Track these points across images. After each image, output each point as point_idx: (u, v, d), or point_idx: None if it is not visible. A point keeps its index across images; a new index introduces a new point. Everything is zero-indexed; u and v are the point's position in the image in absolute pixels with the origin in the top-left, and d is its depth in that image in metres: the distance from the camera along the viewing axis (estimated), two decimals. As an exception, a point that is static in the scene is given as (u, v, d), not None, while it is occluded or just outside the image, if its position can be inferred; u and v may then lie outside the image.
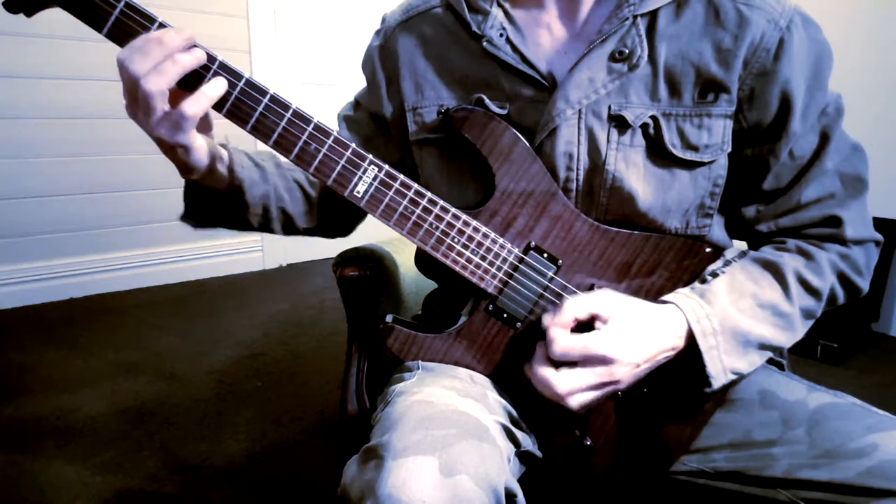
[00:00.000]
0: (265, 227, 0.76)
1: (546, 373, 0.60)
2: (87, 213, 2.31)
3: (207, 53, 0.58)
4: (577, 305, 0.61)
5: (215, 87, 0.58)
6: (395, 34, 0.74)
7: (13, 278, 2.20)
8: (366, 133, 0.79)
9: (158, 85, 0.54)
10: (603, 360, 0.58)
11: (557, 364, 0.60)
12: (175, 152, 0.60)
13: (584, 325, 0.61)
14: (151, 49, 0.54)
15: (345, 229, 0.86)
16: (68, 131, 2.22)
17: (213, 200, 0.71)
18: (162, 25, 0.56)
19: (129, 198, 2.39)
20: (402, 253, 0.98)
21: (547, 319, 0.62)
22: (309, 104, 0.62)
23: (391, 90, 0.75)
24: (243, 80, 0.59)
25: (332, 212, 0.81)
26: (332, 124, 0.62)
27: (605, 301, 0.61)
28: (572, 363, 0.59)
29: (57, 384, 1.67)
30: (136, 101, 0.56)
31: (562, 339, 0.59)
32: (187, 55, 0.56)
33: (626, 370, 0.59)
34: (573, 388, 0.59)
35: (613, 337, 0.58)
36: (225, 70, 0.58)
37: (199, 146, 0.61)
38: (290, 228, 0.78)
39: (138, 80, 0.54)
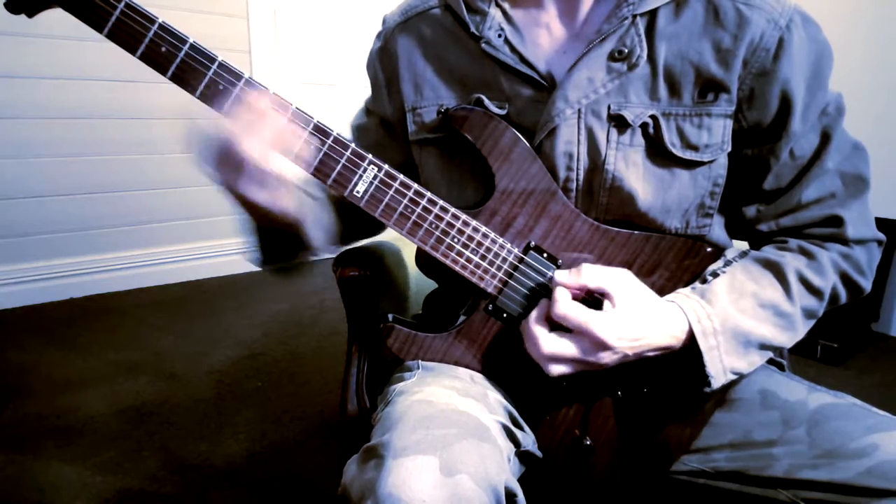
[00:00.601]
0: (322, 242, 0.74)
1: (537, 330, 0.60)
2: (87, 213, 2.31)
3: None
4: (592, 275, 0.61)
5: (294, 140, 0.59)
6: (395, 35, 0.74)
7: (13, 278, 2.19)
8: (376, 139, 0.79)
9: (260, 152, 0.55)
10: (597, 343, 0.58)
11: (552, 325, 0.60)
12: (257, 207, 0.60)
13: (591, 298, 0.61)
14: (250, 115, 0.56)
15: (373, 229, 0.86)
16: (68, 131, 2.22)
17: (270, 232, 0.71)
18: (163, 27, 0.56)
19: (129, 198, 2.39)
20: (412, 249, 0.97)
21: (559, 276, 0.62)
22: (309, 104, 0.62)
23: (392, 91, 0.75)
24: (243, 80, 0.59)
25: (351, 214, 0.80)
26: (333, 124, 0.62)
27: (620, 282, 0.61)
28: (566, 330, 0.59)
29: (57, 384, 1.67)
30: (238, 168, 0.56)
31: (565, 303, 0.59)
32: (279, 115, 0.57)
33: (614, 357, 0.59)
34: (556, 353, 0.59)
35: (615, 323, 0.58)
36: (225, 70, 0.58)
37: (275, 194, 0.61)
38: (333, 239, 0.78)
39: (243, 148, 0.55)
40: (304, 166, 0.62)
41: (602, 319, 0.58)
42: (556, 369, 0.60)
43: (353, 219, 0.79)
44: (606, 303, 0.60)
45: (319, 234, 0.72)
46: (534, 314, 0.62)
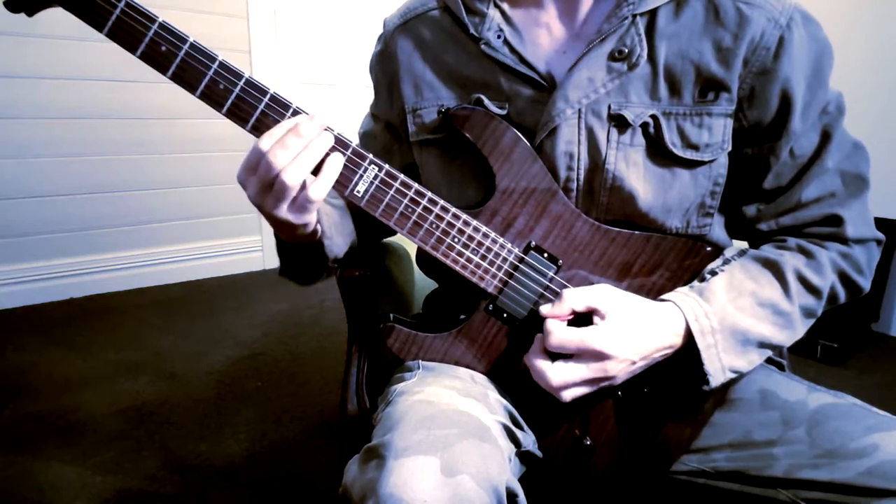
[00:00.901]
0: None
1: (541, 364, 0.60)
2: (87, 213, 2.31)
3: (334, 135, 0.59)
4: (575, 297, 0.61)
5: (335, 166, 0.59)
6: (394, 38, 0.74)
7: (13, 278, 2.19)
8: (383, 143, 0.80)
9: (297, 179, 0.56)
10: (598, 356, 0.58)
11: (553, 356, 0.60)
12: (293, 227, 0.61)
13: (583, 318, 0.61)
14: (290, 142, 0.56)
15: (389, 230, 0.86)
16: (68, 131, 2.22)
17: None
18: (163, 26, 0.56)
19: (129, 198, 2.39)
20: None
21: (545, 310, 0.62)
22: (309, 104, 0.62)
23: (393, 94, 0.75)
24: (243, 80, 0.59)
25: (367, 218, 0.81)
26: (333, 125, 0.62)
27: (604, 296, 0.61)
28: (568, 356, 0.59)
29: (57, 384, 1.67)
30: (270, 190, 0.57)
31: (558, 331, 0.59)
32: (320, 143, 0.57)
33: (621, 367, 0.59)
34: (566, 381, 0.59)
35: (610, 333, 0.59)
36: (225, 70, 0.58)
37: (314, 219, 0.62)
38: (353, 244, 0.78)
39: (278, 173, 0.55)
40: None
41: (596, 332, 0.59)
42: (569, 395, 0.60)
43: (369, 222, 0.79)
44: (596, 317, 0.60)
45: (341, 241, 0.72)
46: (533, 351, 0.62)
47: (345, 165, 0.62)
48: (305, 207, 0.58)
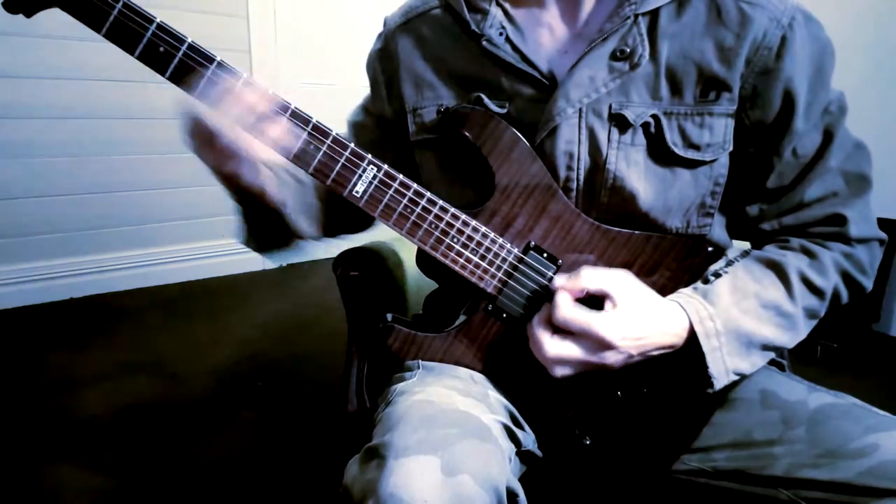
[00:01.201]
0: (308, 228, 0.74)
1: (541, 334, 0.60)
2: (87, 213, 2.31)
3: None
4: (592, 277, 0.61)
5: (275, 129, 0.59)
6: (395, 36, 0.74)
7: (13, 278, 2.19)
8: (373, 137, 0.79)
9: (237, 133, 0.56)
10: (600, 343, 0.58)
11: (555, 328, 0.60)
12: (232, 179, 0.61)
13: (593, 299, 0.61)
14: (230, 102, 0.56)
15: (359, 225, 0.84)
16: (68, 131, 2.22)
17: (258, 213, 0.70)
18: (161, 26, 0.56)
19: (129, 198, 2.39)
20: (409, 250, 0.97)
21: (559, 281, 0.62)
22: (309, 104, 0.62)
23: (392, 92, 0.75)
24: (242, 80, 0.59)
25: (336, 205, 0.79)
26: (333, 124, 0.62)
27: (620, 283, 0.61)
28: (569, 332, 0.59)
29: (57, 384, 1.67)
30: (211, 146, 0.57)
31: (566, 307, 0.59)
32: (262, 104, 0.58)
33: (619, 357, 0.59)
34: (561, 356, 0.59)
35: (618, 323, 0.58)
36: (223, 70, 0.58)
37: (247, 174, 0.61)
38: (317, 227, 0.77)
39: (218, 130, 0.56)
40: (303, 166, 0.62)
41: (604, 319, 0.58)
42: (561, 371, 0.60)
43: (338, 210, 0.78)
44: (607, 303, 0.60)
45: (303, 219, 0.71)
46: (537, 318, 0.62)
47: (343, 165, 0.62)
48: (238, 156, 0.58)
